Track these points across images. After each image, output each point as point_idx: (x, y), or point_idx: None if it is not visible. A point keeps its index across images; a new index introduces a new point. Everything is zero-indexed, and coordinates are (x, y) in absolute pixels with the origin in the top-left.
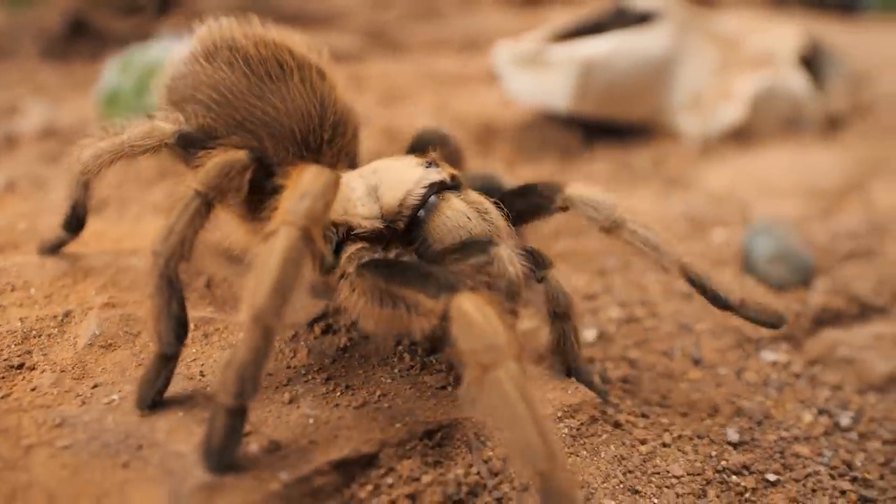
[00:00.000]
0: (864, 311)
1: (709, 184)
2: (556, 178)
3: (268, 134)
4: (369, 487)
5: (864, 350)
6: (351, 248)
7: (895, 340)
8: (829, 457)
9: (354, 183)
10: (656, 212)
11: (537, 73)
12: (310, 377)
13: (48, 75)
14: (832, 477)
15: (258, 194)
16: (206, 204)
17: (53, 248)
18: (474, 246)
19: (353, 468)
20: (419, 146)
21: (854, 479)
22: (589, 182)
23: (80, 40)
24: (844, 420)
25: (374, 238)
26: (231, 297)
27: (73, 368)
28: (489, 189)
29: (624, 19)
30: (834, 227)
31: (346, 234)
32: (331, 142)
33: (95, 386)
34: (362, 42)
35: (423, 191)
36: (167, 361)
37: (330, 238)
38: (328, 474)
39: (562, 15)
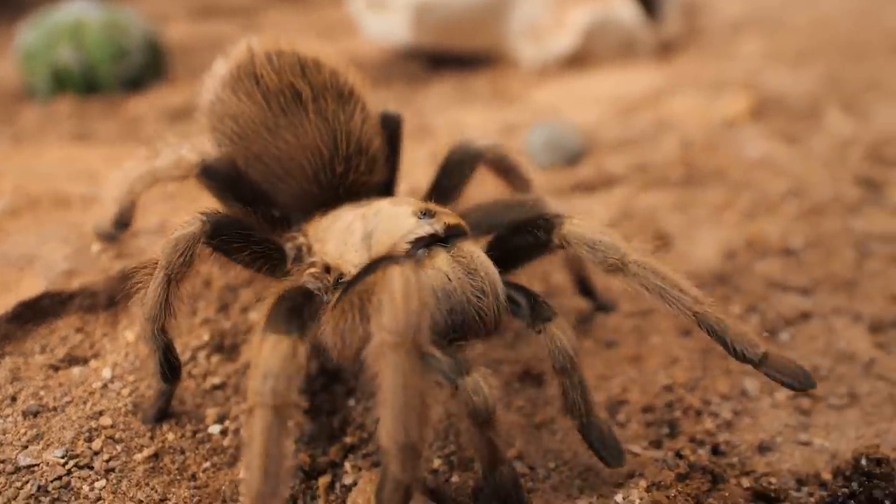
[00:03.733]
0: (610, 182)
1: (537, 100)
2: (406, 99)
3: (281, 169)
4: None
5: (596, 207)
6: (337, 296)
7: (621, 198)
8: None
9: (356, 225)
10: (482, 121)
11: (385, 15)
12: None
13: None
14: None
15: (256, 244)
16: (169, 280)
17: (107, 237)
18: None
19: None
20: (451, 168)
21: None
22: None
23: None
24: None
25: None
26: None
27: None
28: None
29: None
30: (624, 127)
31: (337, 279)
32: (344, 175)
33: (7, 234)
34: None
35: (408, 246)
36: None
37: (325, 282)
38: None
39: None
